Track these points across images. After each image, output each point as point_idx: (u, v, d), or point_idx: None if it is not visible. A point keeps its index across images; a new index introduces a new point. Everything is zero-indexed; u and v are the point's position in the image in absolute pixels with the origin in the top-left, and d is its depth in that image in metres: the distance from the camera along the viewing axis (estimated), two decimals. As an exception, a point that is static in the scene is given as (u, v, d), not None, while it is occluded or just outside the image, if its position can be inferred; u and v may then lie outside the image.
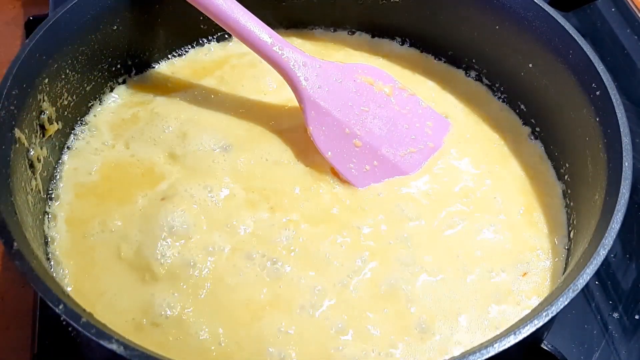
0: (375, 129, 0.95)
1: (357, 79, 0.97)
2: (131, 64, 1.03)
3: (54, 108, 0.89)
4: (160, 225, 0.86)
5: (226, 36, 1.10)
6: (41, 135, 0.87)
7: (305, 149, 0.96)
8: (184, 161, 0.94)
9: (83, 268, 0.83)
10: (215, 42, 1.10)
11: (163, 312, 0.79)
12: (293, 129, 0.99)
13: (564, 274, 0.84)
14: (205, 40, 1.10)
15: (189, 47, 1.09)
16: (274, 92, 1.03)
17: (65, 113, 0.93)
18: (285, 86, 0.96)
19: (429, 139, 0.98)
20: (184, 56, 1.08)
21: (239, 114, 1.00)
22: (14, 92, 0.80)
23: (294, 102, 0.97)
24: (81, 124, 0.97)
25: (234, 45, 1.10)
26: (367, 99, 0.97)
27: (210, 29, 1.09)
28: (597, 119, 0.85)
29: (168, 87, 1.04)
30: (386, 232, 0.88)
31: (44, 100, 0.87)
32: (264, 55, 0.94)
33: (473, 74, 1.07)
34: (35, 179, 0.85)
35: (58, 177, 0.91)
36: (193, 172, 0.92)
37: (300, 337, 0.78)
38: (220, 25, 0.93)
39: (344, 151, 0.94)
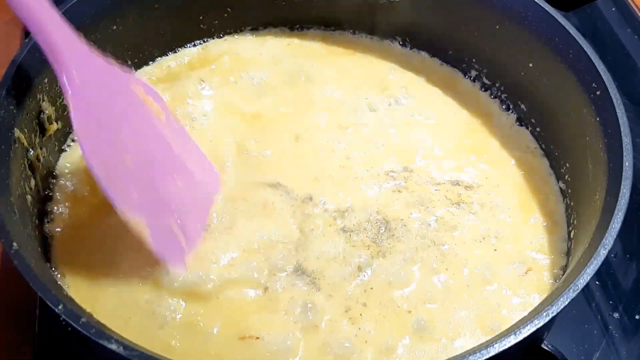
0: (148, 152, 0.80)
1: (132, 90, 0.81)
2: (131, 63, 1.03)
3: (54, 108, 0.89)
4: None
5: (228, 34, 1.10)
6: (41, 135, 0.87)
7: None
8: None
9: (83, 268, 0.83)
10: (217, 41, 1.10)
11: (162, 313, 0.79)
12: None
13: (564, 273, 0.84)
14: (207, 40, 1.10)
15: (190, 46, 1.09)
16: (277, 92, 1.03)
17: (65, 113, 0.92)
18: (288, 84, 0.95)
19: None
20: (184, 56, 1.08)
21: (242, 115, 1.00)
22: (13, 92, 0.80)
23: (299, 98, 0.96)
24: (81, 123, 0.97)
25: (235, 43, 1.09)
26: (140, 115, 0.81)
27: (210, 29, 1.08)
28: (598, 119, 0.85)
29: (163, 76, 1.04)
30: (385, 232, 0.88)
31: (43, 100, 0.87)
32: (34, 28, 0.74)
33: (473, 73, 1.07)
34: (35, 178, 0.85)
35: (58, 177, 0.91)
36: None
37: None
38: None
39: (111, 164, 0.77)
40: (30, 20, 0.73)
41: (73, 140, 0.95)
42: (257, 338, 0.77)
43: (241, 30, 1.11)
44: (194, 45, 1.09)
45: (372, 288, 0.83)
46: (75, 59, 0.75)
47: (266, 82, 1.04)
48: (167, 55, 1.07)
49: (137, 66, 1.04)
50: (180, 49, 1.08)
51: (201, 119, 0.98)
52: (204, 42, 1.10)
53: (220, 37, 1.10)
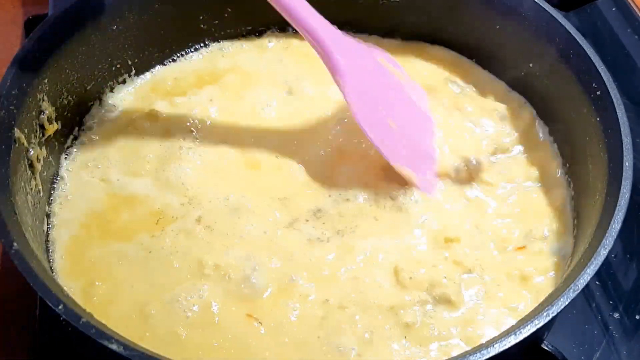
0: (403, 114, 0.93)
1: (379, 60, 0.96)
2: (131, 64, 1.03)
3: (54, 108, 0.89)
4: (165, 235, 0.86)
5: (228, 35, 1.10)
6: (41, 135, 0.87)
7: (310, 159, 0.94)
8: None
9: (83, 268, 0.83)
10: (219, 45, 1.10)
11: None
12: (298, 141, 0.97)
13: (564, 274, 0.84)
14: (209, 43, 1.09)
15: (191, 48, 1.08)
16: (281, 101, 1.02)
17: (65, 113, 0.93)
18: (289, 100, 0.96)
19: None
20: (186, 57, 1.08)
21: (244, 126, 0.99)
22: (13, 92, 0.80)
23: (297, 117, 0.96)
24: (81, 124, 0.97)
25: (237, 55, 1.09)
26: (389, 81, 0.95)
27: (210, 29, 1.08)
28: (598, 119, 0.85)
29: (169, 89, 1.03)
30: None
31: (43, 100, 0.87)
32: (301, 26, 0.88)
33: (473, 73, 1.07)
34: (35, 179, 0.85)
35: (58, 177, 0.91)
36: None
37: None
38: None
39: (381, 129, 0.90)
40: (297, 20, 0.88)
41: (74, 140, 0.95)
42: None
43: (240, 31, 1.11)
44: (195, 50, 1.08)
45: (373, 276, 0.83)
46: (336, 45, 0.88)
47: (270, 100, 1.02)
48: (170, 63, 1.07)
49: (139, 68, 1.04)
50: (181, 53, 1.08)
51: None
52: (205, 45, 1.09)
53: (221, 41, 1.10)
